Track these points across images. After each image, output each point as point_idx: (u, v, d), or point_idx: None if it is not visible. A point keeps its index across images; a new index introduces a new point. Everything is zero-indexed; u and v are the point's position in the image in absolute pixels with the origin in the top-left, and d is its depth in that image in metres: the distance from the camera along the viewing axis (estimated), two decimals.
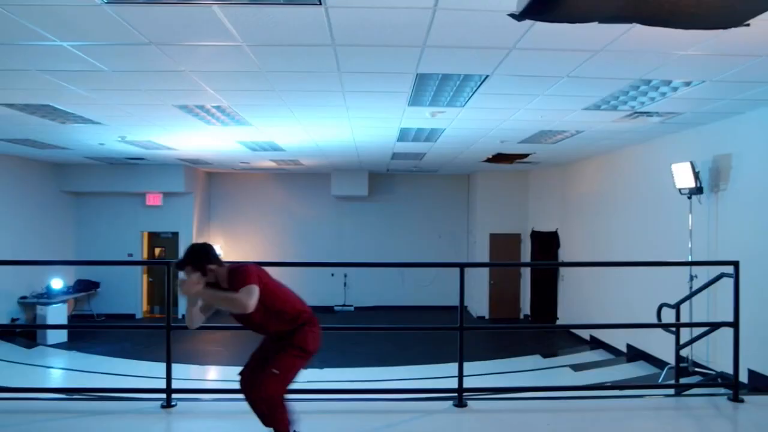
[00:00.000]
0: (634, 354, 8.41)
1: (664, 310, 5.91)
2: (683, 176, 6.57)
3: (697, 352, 6.64)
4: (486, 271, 12.85)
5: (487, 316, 12.83)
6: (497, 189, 12.93)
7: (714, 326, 5.08)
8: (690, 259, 6.59)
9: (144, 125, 6.97)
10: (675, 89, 5.02)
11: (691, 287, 6.50)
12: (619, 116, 6.20)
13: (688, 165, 6.46)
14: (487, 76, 4.59)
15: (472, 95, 5.24)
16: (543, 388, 5.18)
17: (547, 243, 11.85)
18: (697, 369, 6.47)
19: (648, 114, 6.11)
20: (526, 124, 6.67)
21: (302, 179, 13.67)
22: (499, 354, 9.24)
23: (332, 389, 4.56)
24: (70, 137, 7.96)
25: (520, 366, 8.46)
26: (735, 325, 4.30)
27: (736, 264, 4.30)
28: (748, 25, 3.37)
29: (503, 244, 12.83)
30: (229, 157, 10.47)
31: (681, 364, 6.68)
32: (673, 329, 5.24)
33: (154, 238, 12.95)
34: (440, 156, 9.95)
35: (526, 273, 12.81)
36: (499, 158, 10.10)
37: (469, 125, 6.81)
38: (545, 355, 9.33)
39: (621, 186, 9.00)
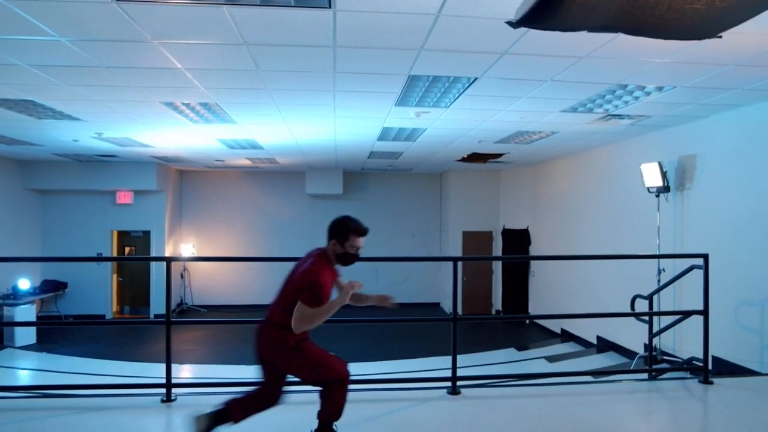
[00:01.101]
0: (603, 345, 8.81)
1: (638, 301, 6.26)
2: (651, 176, 6.95)
3: (664, 341, 7.04)
4: (459, 268, 13.10)
5: (460, 312, 13.08)
6: (469, 188, 13.23)
7: (686, 314, 5.44)
8: (658, 254, 6.99)
9: (125, 122, 6.89)
10: (648, 94, 5.34)
11: (659, 280, 6.88)
12: (593, 118, 6.53)
13: (656, 165, 6.85)
14: (476, 79, 4.79)
15: (458, 96, 5.44)
16: (531, 376, 5.44)
17: (518, 240, 12.22)
18: (665, 358, 6.86)
19: (620, 116, 6.45)
20: (505, 124, 6.93)
21: (276, 177, 13.65)
22: (476, 348, 9.52)
23: None
24: (44, 133, 7.77)
25: (498, 358, 8.75)
26: (705, 313, 4.64)
27: (705, 257, 4.65)
28: (720, 37, 3.69)
29: (475, 242, 13.14)
30: (204, 155, 10.40)
31: (647, 353, 7.09)
32: (647, 318, 5.57)
33: (125, 237, 12.69)
34: (416, 155, 10.15)
35: (497, 269, 13.16)
36: (474, 158, 10.38)
37: (450, 125, 7.01)
38: (519, 348, 9.66)
39: (589, 185, 9.40)
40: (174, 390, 4.14)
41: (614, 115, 6.37)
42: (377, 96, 5.46)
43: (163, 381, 4.07)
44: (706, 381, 4.56)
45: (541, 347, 9.78)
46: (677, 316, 5.86)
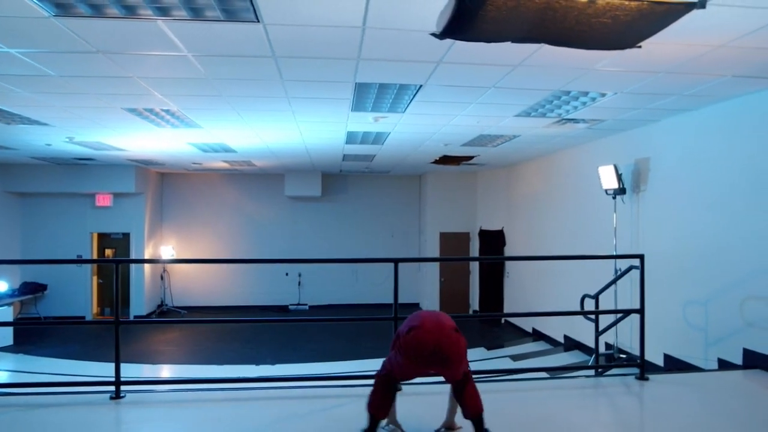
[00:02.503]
0: (570, 344, 8.99)
1: (587, 300, 6.44)
2: (608, 178, 7.13)
3: (622, 339, 7.23)
4: (437, 269, 13.32)
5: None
6: (447, 189, 13.42)
7: (626, 313, 5.61)
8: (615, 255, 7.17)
9: (93, 127, 7.02)
10: (593, 99, 5.52)
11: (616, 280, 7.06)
12: (548, 122, 6.70)
13: (611, 167, 7.03)
14: (421, 86, 4.96)
15: (410, 102, 5.61)
16: (478, 372, 5.60)
17: (493, 241, 12.40)
18: (621, 355, 7.05)
19: (575, 121, 6.63)
20: (465, 128, 7.10)
21: (256, 180, 13.79)
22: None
23: (271, 377, 4.85)
24: (16, 137, 7.89)
25: None
26: (641, 311, 4.80)
27: (641, 257, 4.80)
28: (640, 47, 3.87)
29: (453, 243, 13.32)
30: (181, 158, 10.52)
31: (608, 351, 7.28)
32: (593, 316, 5.75)
33: (105, 239, 12.80)
34: (390, 158, 10.32)
35: (474, 271, 13.35)
36: (446, 160, 10.55)
37: (412, 129, 7.18)
38: (489, 347, 9.83)
39: (556, 187, 9.59)
40: (123, 387, 4.29)
41: (568, 120, 6.55)
42: (331, 102, 5.62)
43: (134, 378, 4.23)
44: (642, 377, 4.73)
45: (512, 346, 9.96)
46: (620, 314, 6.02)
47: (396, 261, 4.59)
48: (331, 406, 4.15)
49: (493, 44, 3.74)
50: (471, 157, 10.15)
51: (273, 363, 8.50)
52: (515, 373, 5.55)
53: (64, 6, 3.18)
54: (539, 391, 4.74)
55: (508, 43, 3.74)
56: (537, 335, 10.38)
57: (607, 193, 7.27)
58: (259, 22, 3.39)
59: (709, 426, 3.68)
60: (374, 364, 8.26)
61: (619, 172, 7.00)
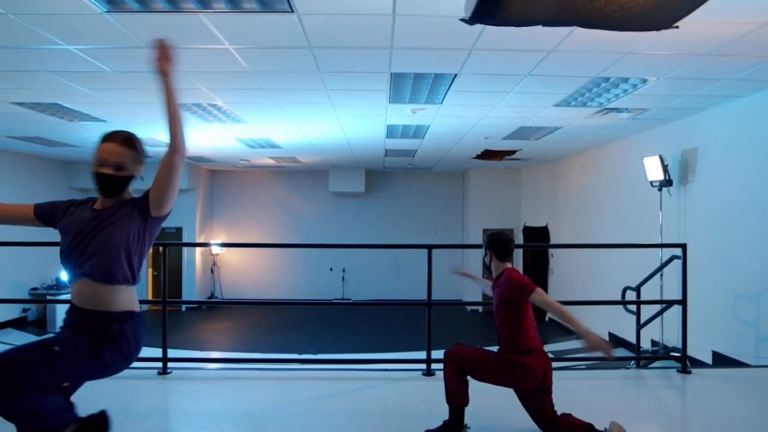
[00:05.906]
0: (615, 342, 8.75)
1: (629, 293, 6.28)
2: (653, 169, 6.93)
3: (668, 337, 6.99)
4: (479, 265, 13.21)
5: (480, 309, 13.23)
6: (491, 185, 13.31)
7: (668, 304, 5.45)
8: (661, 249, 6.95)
9: (146, 123, 7.39)
10: (635, 86, 5.39)
11: (661, 274, 6.84)
12: (590, 112, 6.57)
13: (656, 158, 6.83)
14: (456, 75, 4.99)
15: (446, 93, 5.64)
16: None
17: (537, 237, 12.22)
18: (672, 354, 6.82)
19: (617, 110, 6.48)
20: (504, 120, 7.06)
21: (301, 176, 14.12)
22: (486, 343, 9.63)
23: (317, 359, 5.03)
24: (78, 135, 8.43)
25: None
26: (683, 302, 4.66)
27: (683, 246, 4.67)
28: (677, 27, 3.78)
29: None
30: (229, 155, 10.92)
31: (653, 348, 7.06)
32: (634, 309, 5.62)
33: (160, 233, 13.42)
34: (431, 153, 10.35)
35: (518, 266, 13.17)
36: (489, 155, 10.48)
37: (451, 122, 7.20)
38: None
39: (602, 181, 9.36)
40: (170, 364, 4.56)
41: (611, 109, 6.41)
42: (368, 94, 5.73)
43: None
44: (684, 371, 4.59)
45: (556, 344, 9.79)
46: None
47: (429, 247, 4.66)
48: (365, 387, 4.24)
49: (523, 28, 3.74)
50: (513, 152, 10.05)
51: (315, 353, 8.70)
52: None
53: (114, 2, 3.43)
54: (576, 380, 4.68)
55: (539, 27, 3.73)
56: None
57: (652, 185, 7.06)
58: (293, 11, 3.53)
59: (750, 421, 3.54)
60: (414, 356, 8.31)
61: (665, 163, 6.79)
